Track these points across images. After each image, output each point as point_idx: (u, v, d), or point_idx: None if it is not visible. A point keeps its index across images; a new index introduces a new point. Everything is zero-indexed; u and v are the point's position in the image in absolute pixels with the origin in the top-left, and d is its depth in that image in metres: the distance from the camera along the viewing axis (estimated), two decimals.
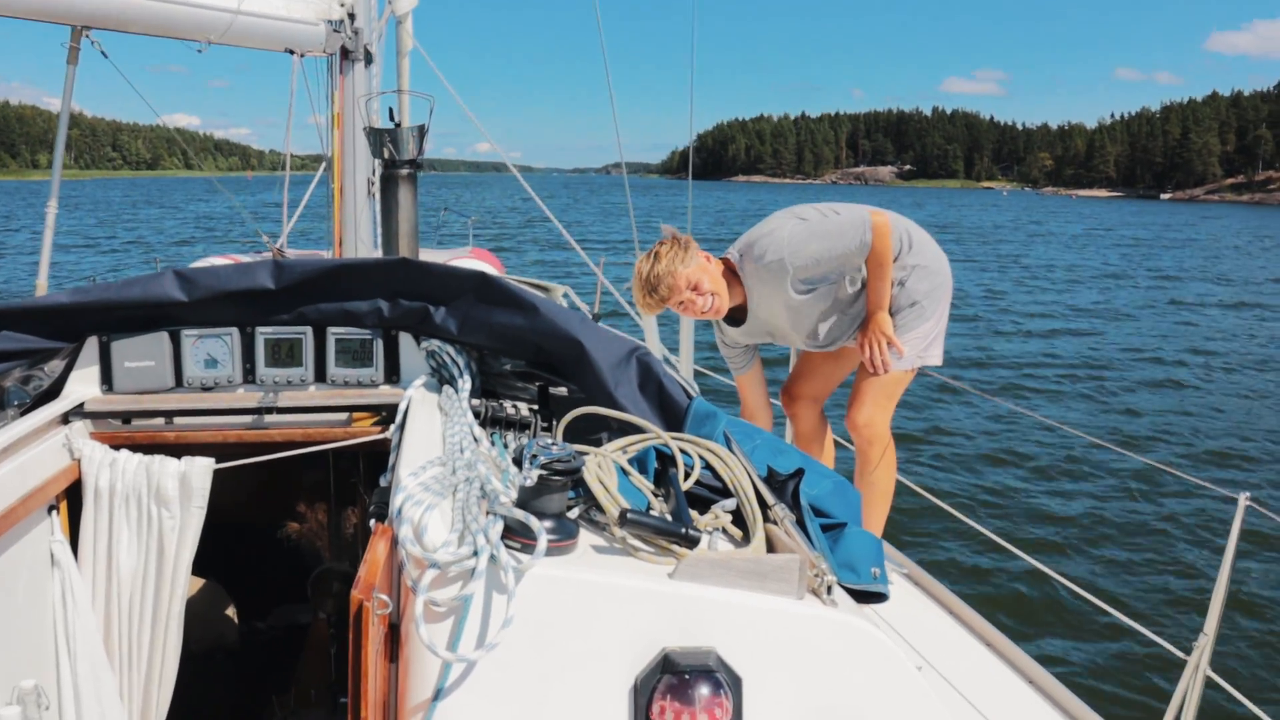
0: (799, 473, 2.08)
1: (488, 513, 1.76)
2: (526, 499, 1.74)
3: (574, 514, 1.92)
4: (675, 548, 1.79)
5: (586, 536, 1.86)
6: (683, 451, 2.12)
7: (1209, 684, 2.43)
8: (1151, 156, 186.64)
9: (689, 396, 2.38)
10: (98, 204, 70.17)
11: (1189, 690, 2.42)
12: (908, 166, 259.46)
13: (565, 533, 1.74)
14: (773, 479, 2.10)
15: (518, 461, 1.75)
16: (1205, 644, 2.39)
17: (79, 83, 4.11)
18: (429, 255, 5.84)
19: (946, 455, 8.61)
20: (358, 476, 3.49)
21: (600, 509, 1.89)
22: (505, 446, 2.27)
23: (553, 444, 1.76)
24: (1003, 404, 4.09)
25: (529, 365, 2.57)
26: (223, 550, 3.09)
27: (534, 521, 1.67)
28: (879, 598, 2.06)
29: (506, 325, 2.45)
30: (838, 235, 3.12)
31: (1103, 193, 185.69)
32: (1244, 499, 2.39)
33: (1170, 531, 6.81)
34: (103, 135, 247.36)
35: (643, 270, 3.17)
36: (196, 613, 2.96)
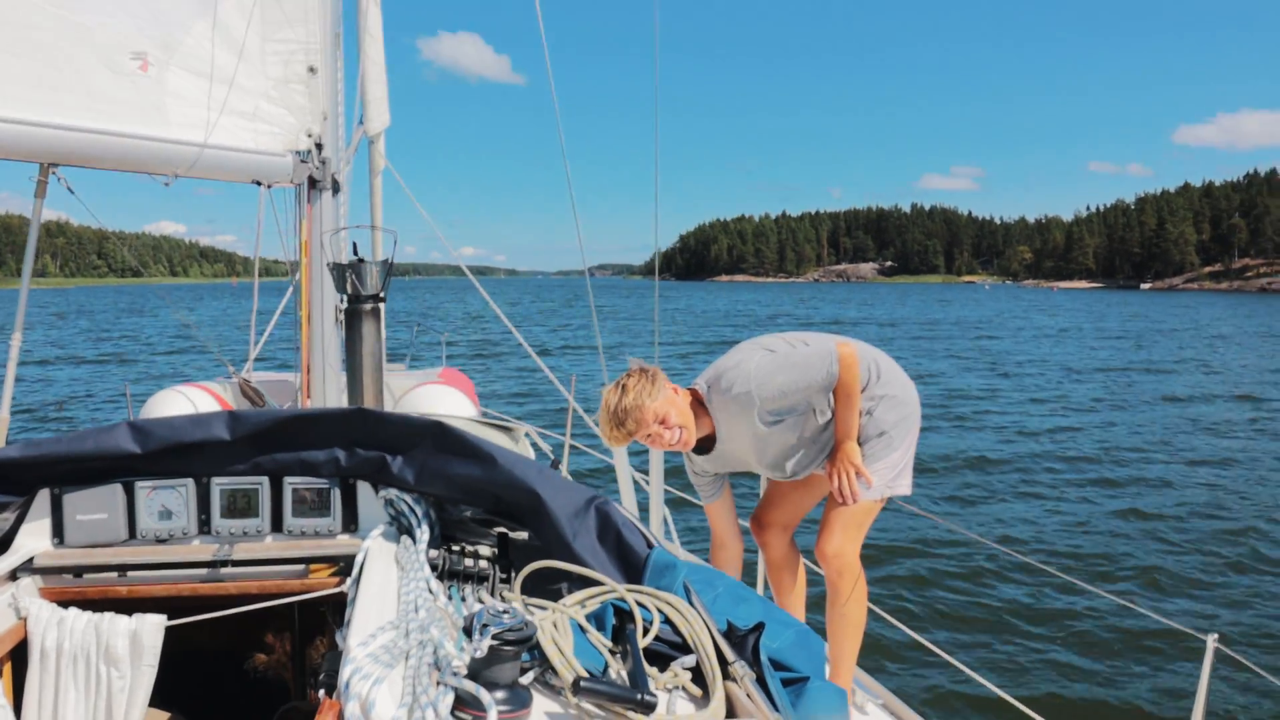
0: (759, 627, 2.05)
1: (438, 683, 1.72)
2: (478, 669, 1.70)
3: (529, 677, 1.88)
4: (631, 715, 1.75)
5: (541, 703, 1.82)
6: (641, 605, 2.08)
7: None
8: (1129, 247, 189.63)
9: (649, 545, 2.36)
10: (81, 312, 70.38)
11: None
12: (889, 263, 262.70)
13: (517, 702, 1.70)
14: (732, 634, 2.07)
15: (468, 630, 1.72)
16: None
17: (65, 194, 4.15)
18: (399, 378, 5.83)
19: (913, 579, 8.52)
20: (326, 606, 3.43)
21: (554, 670, 1.85)
22: (463, 599, 2.24)
23: (504, 611, 1.73)
24: (969, 534, 4.03)
25: (488, 512, 2.55)
26: (186, 682, 3.01)
27: (484, 694, 1.63)
28: None
29: (464, 475, 2.43)
30: (805, 367, 3.12)
31: (1083, 284, 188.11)
32: (1212, 641, 2.35)
33: (1141, 671, 6.72)
34: (88, 243, 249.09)
35: (610, 403, 3.12)
36: None
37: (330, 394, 4.31)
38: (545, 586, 2.30)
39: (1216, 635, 2.34)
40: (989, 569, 8.75)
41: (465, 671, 1.71)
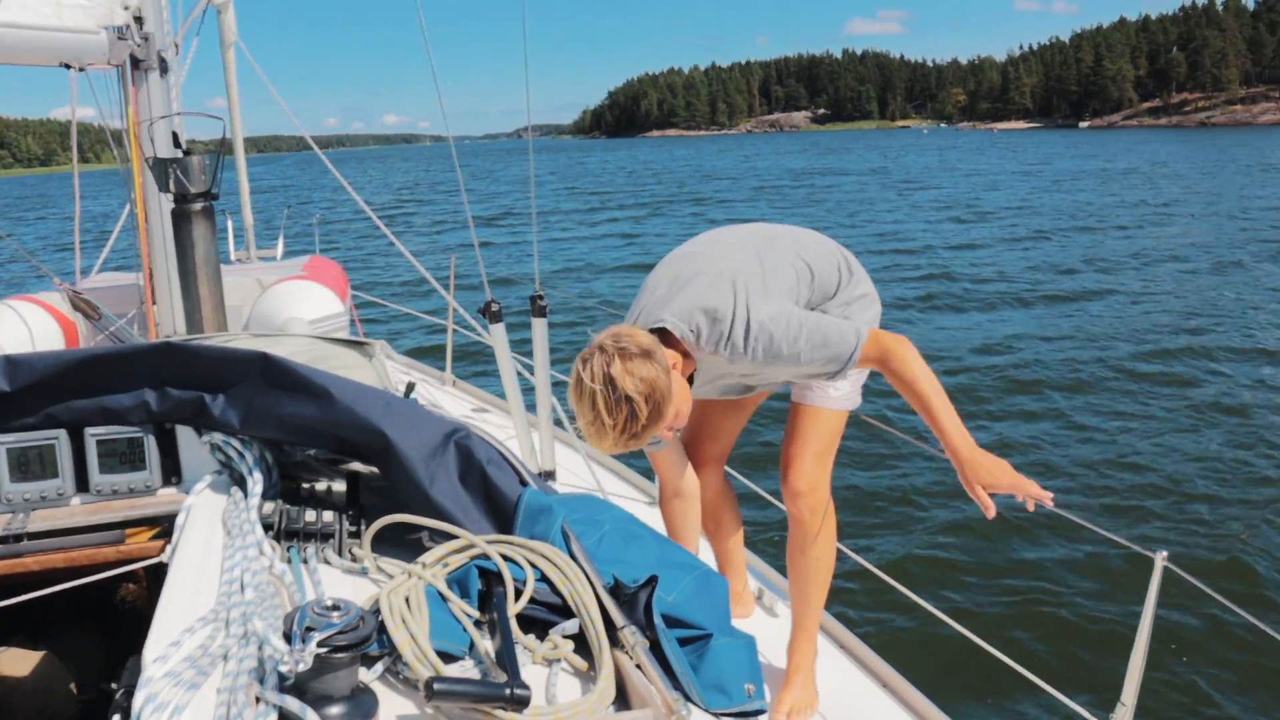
0: (651, 582, 1.79)
1: (257, 699, 1.43)
2: (306, 680, 1.41)
3: (377, 670, 1.60)
4: (501, 714, 1.49)
5: (392, 705, 1.55)
6: (511, 562, 1.81)
7: None
8: (1066, 85, 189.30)
9: (522, 483, 2.06)
10: None
11: None
12: (822, 110, 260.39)
13: (356, 717, 1.42)
14: (620, 592, 1.80)
15: (288, 636, 1.42)
16: (1124, 715, 2.18)
17: None
18: (259, 270, 5.40)
19: (857, 506, 8.18)
20: (149, 577, 3.10)
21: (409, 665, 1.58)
22: (305, 562, 1.94)
23: (333, 608, 1.43)
24: (915, 444, 3.80)
25: (335, 451, 2.23)
26: (54, 616, 2.69)
27: (310, 715, 1.35)
28: (757, 714, 1.78)
29: (296, 415, 2.09)
30: (835, 350, 2.52)
31: (1021, 124, 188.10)
32: (1160, 558, 2.16)
33: (1089, 589, 6.65)
34: None
35: (613, 418, 2.35)
36: (27, 690, 2.58)
37: (177, 296, 3.89)
38: (404, 537, 2.02)
39: (1165, 553, 2.14)
40: (929, 486, 8.57)
41: (292, 679, 1.43)
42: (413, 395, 3.09)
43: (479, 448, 2.06)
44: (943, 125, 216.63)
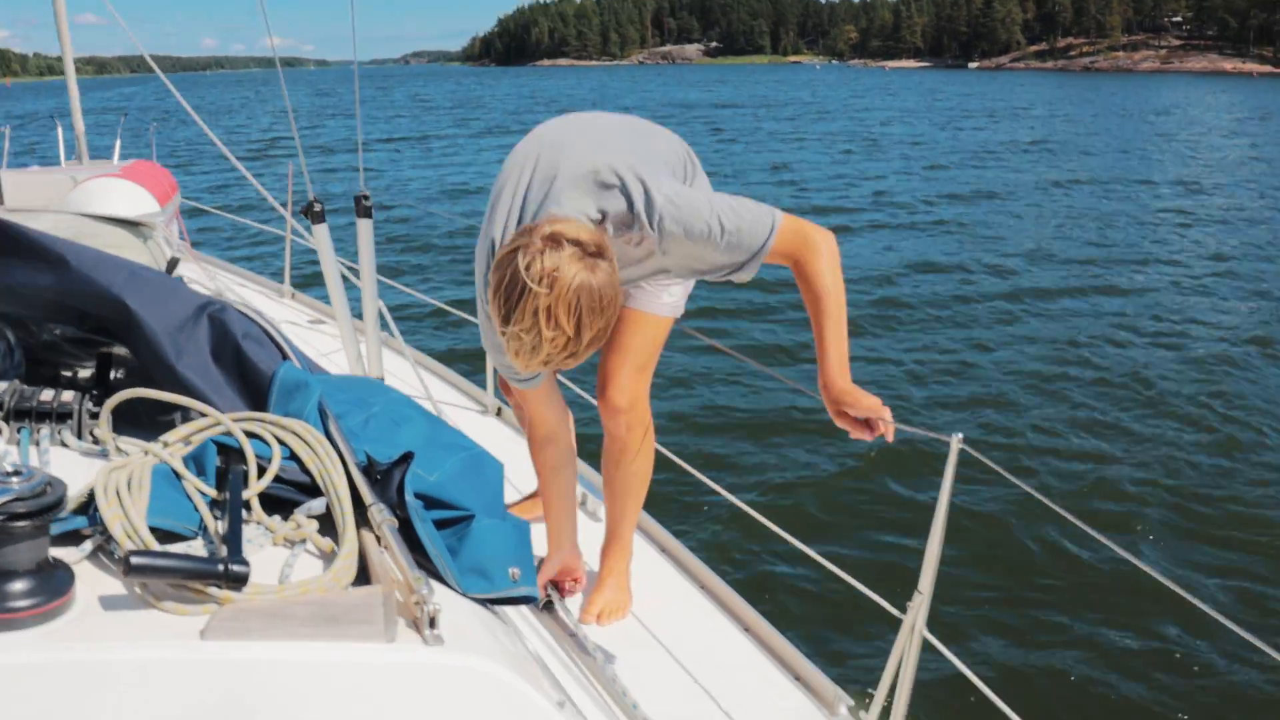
0: (407, 458, 1.68)
1: None
2: None
3: (85, 549, 1.46)
4: (215, 591, 1.37)
5: (94, 583, 1.41)
6: (258, 439, 1.68)
7: (927, 646, 2.22)
8: (957, 26, 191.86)
9: (285, 359, 1.93)
10: None
11: (905, 652, 2.19)
12: (714, 44, 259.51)
13: (43, 593, 1.28)
14: (373, 468, 1.69)
15: None
16: (920, 603, 2.16)
17: None
18: (75, 169, 5.07)
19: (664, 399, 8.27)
20: None
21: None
22: (36, 445, 1.78)
23: (14, 473, 1.29)
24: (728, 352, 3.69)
25: (87, 330, 2.06)
26: None
27: None
28: (525, 600, 1.70)
29: (30, 285, 1.91)
30: (750, 230, 2.25)
31: (911, 63, 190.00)
32: (956, 441, 2.13)
33: (886, 476, 6.78)
34: None
35: (554, 330, 2.03)
36: None
37: None
38: (155, 418, 1.87)
39: (960, 435, 2.11)
40: (730, 378, 8.66)
41: None
42: (176, 273, 2.89)
43: (235, 321, 1.91)
44: (834, 62, 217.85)
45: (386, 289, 4.64)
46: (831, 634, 4.62)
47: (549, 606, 2.82)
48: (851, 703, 2.53)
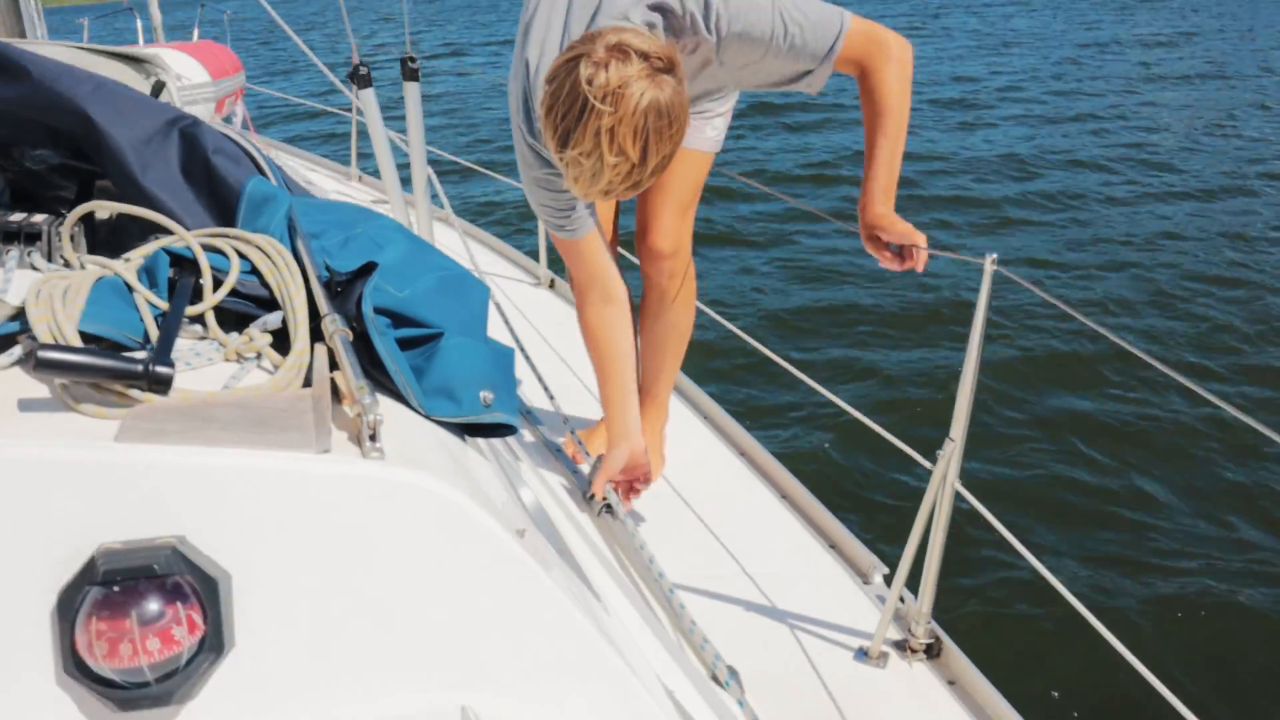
0: (369, 268, 1.56)
1: None
2: None
3: (13, 354, 1.39)
4: (137, 394, 1.28)
5: (25, 388, 1.34)
6: (217, 253, 1.58)
7: (958, 498, 2.06)
8: None
9: (260, 172, 1.81)
10: None
11: (937, 506, 2.04)
12: None
13: None
14: (333, 280, 1.58)
15: None
16: (952, 451, 1.99)
17: None
18: (135, 48, 4.97)
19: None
20: None
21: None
22: (1, 266, 1.70)
23: None
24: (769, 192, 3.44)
25: (69, 156, 1.96)
26: None
27: None
28: (503, 429, 1.58)
29: None
30: (819, 28, 2.04)
31: None
32: (990, 262, 1.94)
33: (926, 299, 6.63)
34: None
35: (619, 153, 1.81)
36: None
37: None
38: (127, 244, 1.78)
39: (995, 256, 1.92)
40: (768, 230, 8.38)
41: None
42: (162, 96, 2.78)
43: (208, 137, 1.79)
44: None
45: (436, 159, 4.52)
46: (867, 495, 4.47)
47: (608, 510, 2.52)
48: (887, 570, 2.40)
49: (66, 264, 1.75)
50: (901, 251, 2.06)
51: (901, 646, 2.14)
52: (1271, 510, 4.53)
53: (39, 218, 1.77)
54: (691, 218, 2.60)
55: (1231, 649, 3.68)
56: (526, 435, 2.93)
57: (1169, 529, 4.45)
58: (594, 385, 3.03)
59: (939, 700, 1.98)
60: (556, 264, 4.37)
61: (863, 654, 2.11)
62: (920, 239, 2.03)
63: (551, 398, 2.91)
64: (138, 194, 1.73)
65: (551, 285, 4.37)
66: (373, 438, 1.28)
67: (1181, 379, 1.68)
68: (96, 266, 1.58)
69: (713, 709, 1.50)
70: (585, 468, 2.67)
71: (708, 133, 2.52)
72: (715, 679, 1.88)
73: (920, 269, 2.03)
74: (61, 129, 1.83)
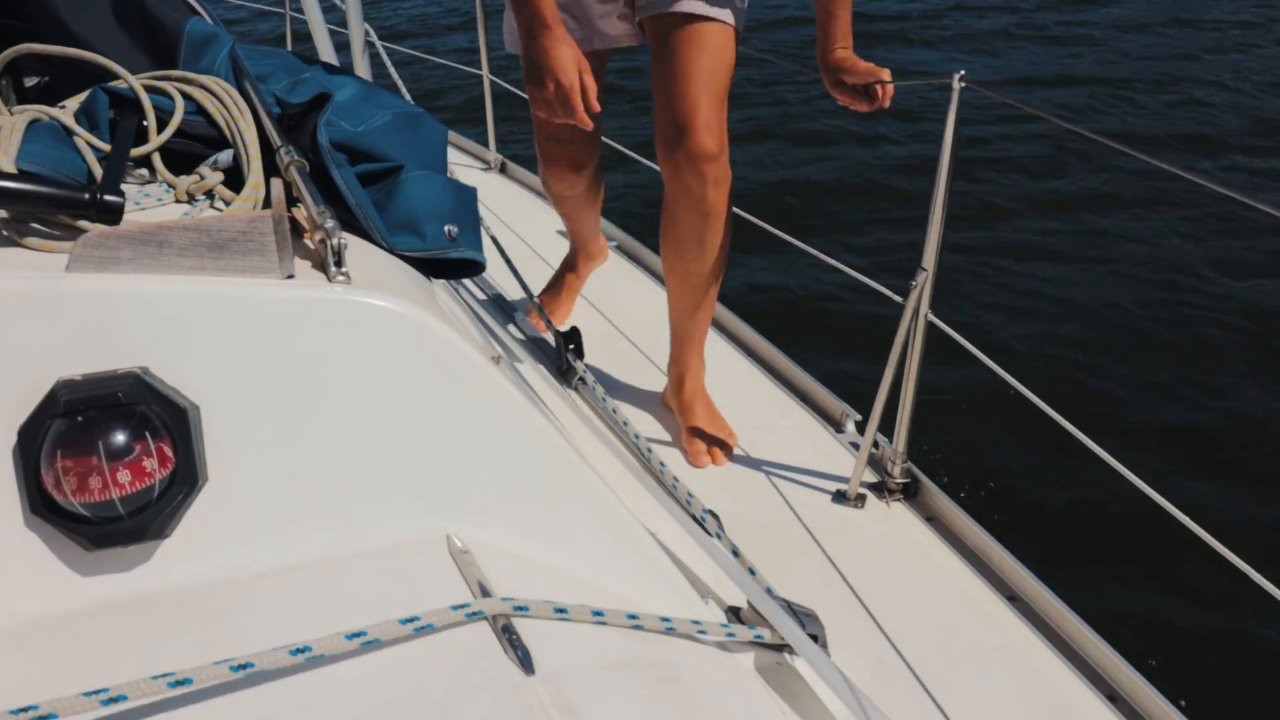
0: (321, 99, 1.51)
1: None
2: None
3: None
4: (86, 225, 1.24)
5: None
6: (160, 94, 1.52)
7: (931, 328, 2.06)
8: None
9: (193, 15, 1.74)
10: None
11: (911, 337, 2.04)
12: None
13: None
14: (286, 113, 1.53)
15: None
16: (924, 281, 1.99)
17: None
18: None
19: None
20: None
21: None
22: None
23: None
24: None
25: None
26: None
27: None
28: (471, 267, 1.55)
29: None
30: None
31: None
32: (958, 80, 1.91)
33: (897, 130, 6.60)
34: None
35: None
36: None
37: None
38: (60, 99, 1.72)
39: (962, 73, 1.90)
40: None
41: None
42: None
43: None
44: None
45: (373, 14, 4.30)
46: (841, 340, 4.45)
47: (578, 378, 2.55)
48: (859, 418, 2.41)
49: None
50: (868, 91, 2.04)
51: (879, 489, 2.15)
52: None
53: None
54: (725, 109, 2.18)
55: (1205, 448, 3.81)
56: (487, 303, 2.91)
57: (1150, 340, 4.55)
58: (556, 262, 3.01)
59: (920, 537, 2.01)
60: (507, 148, 4.30)
61: (841, 496, 2.13)
62: (884, 74, 2.00)
63: (516, 274, 2.88)
64: (70, 41, 1.66)
65: (503, 169, 4.28)
66: (338, 263, 1.25)
67: (1171, 169, 1.67)
68: (32, 111, 1.53)
69: (694, 540, 1.50)
70: (549, 336, 2.65)
71: (737, 2, 2.15)
72: (694, 520, 1.88)
73: (887, 104, 2.02)
74: None
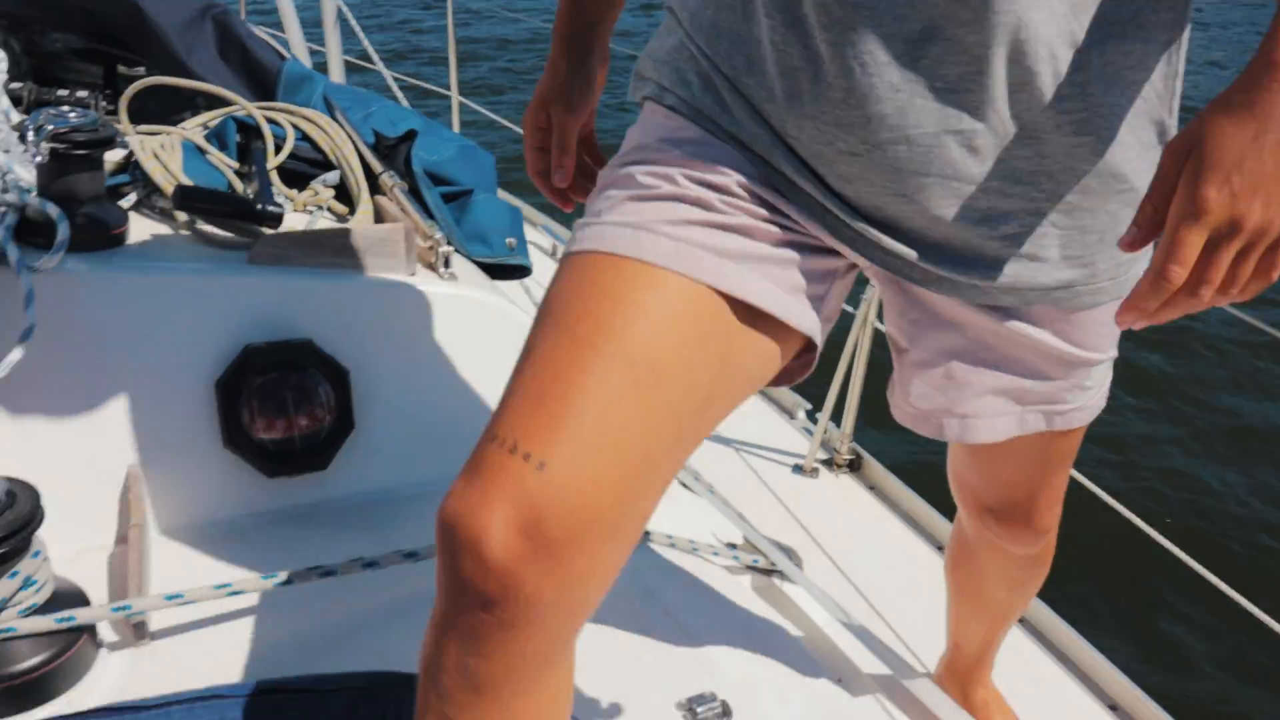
0: (411, 135, 1.89)
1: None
2: (47, 182, 1.46)
3: (130, 200, 1.66)
4: (255, 228, 1.59)
5: (147, 226, 1.62)
6: (272, 122, 1.87)
7: (879, 336, 2.46)
8: None
9: (282, 59, 2.09)
10: None
11: (859, 343, 2.44)
12: None
13: (103, 222, 1.49)
14: (381, 144, 1.90)
15: (24, 137, 1.46)
16: (874, 293, 2.39)
17: None
18: None
19: None
20: None
21: (162, 192, 1.64)
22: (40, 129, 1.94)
23: (70, 111, 1.47)
24: None
25: (93, 41, 2.19)
26: None
27: (52, 209, 1.41)
28: (520, 271, 1.93)
29: None
30: None
31: None
32: None
33: None
34: None
35: None
36: None
37: None
38: (167, 119, 2.04)
39: None
40: None
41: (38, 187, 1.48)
42: None
43: (236, 24, 2.06)
44: None
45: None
46: None
47: None
48: (810, 407, 2.80)
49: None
50: None
51: (829, 463, 2.55)
52: None
53: (84, 93, 2.01)
54: None
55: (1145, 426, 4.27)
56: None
57: None
58: None
59: (865, 502, 2.41)
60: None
61: (798, 469, 2.52)
62: None
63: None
64: (185, 74, 1.99)
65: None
66: (446, 264, 1.64)
67: None
68: (176, 133, 1.85)
69: (697, 492, 1.90)
70: None
71: (1098, 399, 1.33)
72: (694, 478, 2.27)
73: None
74: (99, 14, 2.05)
